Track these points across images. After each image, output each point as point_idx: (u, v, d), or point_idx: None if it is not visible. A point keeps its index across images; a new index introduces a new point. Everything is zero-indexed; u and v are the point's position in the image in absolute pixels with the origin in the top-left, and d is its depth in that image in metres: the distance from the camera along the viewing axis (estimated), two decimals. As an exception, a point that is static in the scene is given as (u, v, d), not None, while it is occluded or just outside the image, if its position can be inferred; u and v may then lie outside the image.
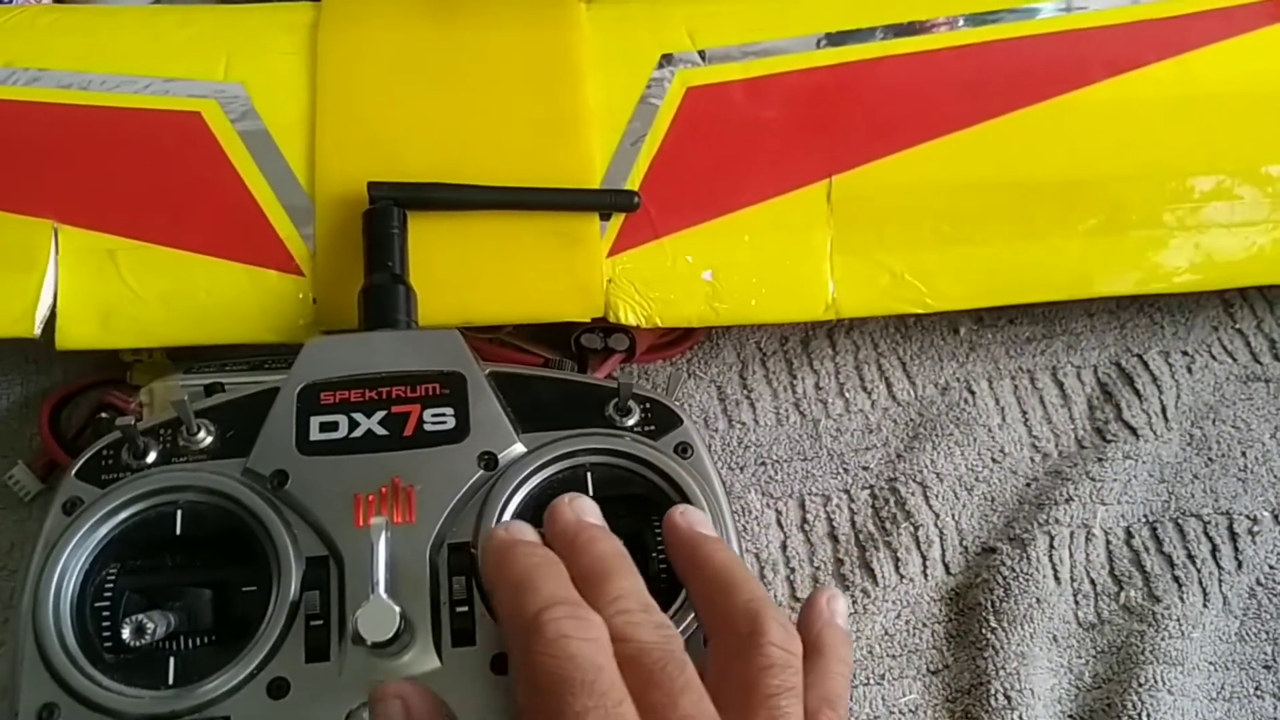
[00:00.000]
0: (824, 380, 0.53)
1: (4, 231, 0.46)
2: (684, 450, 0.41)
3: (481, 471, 0.39)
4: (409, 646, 0.36)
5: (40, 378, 0.50)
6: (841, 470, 0.51)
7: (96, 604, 0.37)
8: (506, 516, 0.39)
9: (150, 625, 0.35)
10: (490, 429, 0.40)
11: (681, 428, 0.42)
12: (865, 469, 0.51)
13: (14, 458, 0.48)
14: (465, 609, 0.37)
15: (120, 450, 0.39)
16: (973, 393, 0.53)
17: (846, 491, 0.50)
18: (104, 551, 0.38)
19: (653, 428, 0.42)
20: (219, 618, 0.38)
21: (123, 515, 0.38)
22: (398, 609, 0.34)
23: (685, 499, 0.39)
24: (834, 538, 0.49)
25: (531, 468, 0.40)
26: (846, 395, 0.53)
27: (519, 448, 0.40)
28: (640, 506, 0.39)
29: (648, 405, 0.42)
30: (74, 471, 0.39)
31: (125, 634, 0.34)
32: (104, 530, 0.38)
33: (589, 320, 0.48)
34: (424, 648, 0.36)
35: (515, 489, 0.39)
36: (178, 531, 0.38)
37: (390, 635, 0.34)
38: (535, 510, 0.40)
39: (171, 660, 0.36)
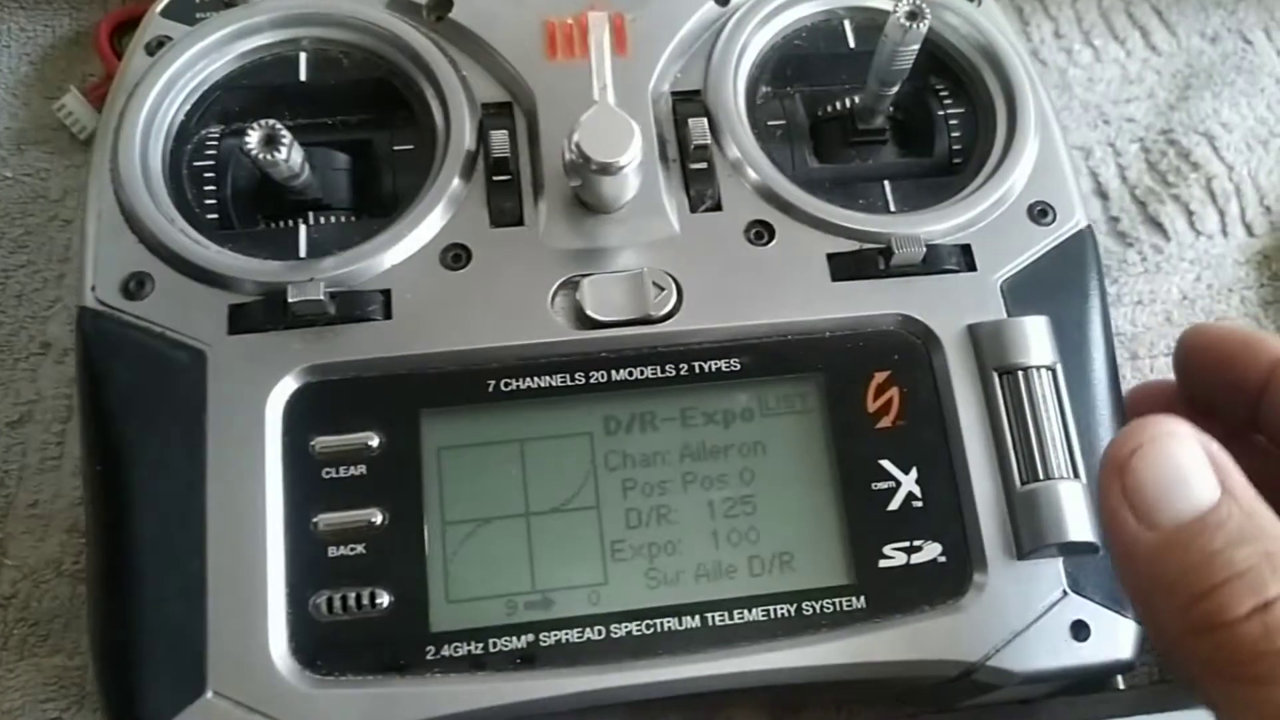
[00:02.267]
0: (1064, 27, 0.42)
1: None
2: (970, -2, 0.31)
3: (710, 2, 0.29)
4: (632, 207, 0.26)
5: (93, 7, 0.40)
6: (1101, 122, 0.40)
7: (195, 163, 0.27)
8: (745, 64, 0.28)
9: (285, 139, 0.24)
10: (715, -44, 0.30)
11: (960, -27, 0.31)
12: (1130, 120, 0.40)
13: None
14: (704, 165, 0.27)
15: (218, -17, 0.29)
16: (1249, 43, 0.42)
17: (1111, 144, 0.40)
18: (202, 103, 0.28)
19: (921, -28, 0.31)
20: (359, 187, 0.27)
21: (226, 56, 0.28)
22: (633, 121, 0.24)
23: (986, 56, 0.29)
24: (1102, 194, 0.39)
25: (774, 4, 0.29)
26: (1094, 44, 0.42)
27: (756, -20, 0.29)
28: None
29: (911, -50, 0.31)
30: (159, 9, 0.29)
31: (250, 143, 0.24)
32: (200, 75, 0.28)
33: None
34: (652, 209, 0.26)
35: (753, 31, 0.29)
36: (301, 78, 0.28)
37: (626, 156, 0.24)
38: (779, 63, 0.29)
39: (303, 230, 0.26)
